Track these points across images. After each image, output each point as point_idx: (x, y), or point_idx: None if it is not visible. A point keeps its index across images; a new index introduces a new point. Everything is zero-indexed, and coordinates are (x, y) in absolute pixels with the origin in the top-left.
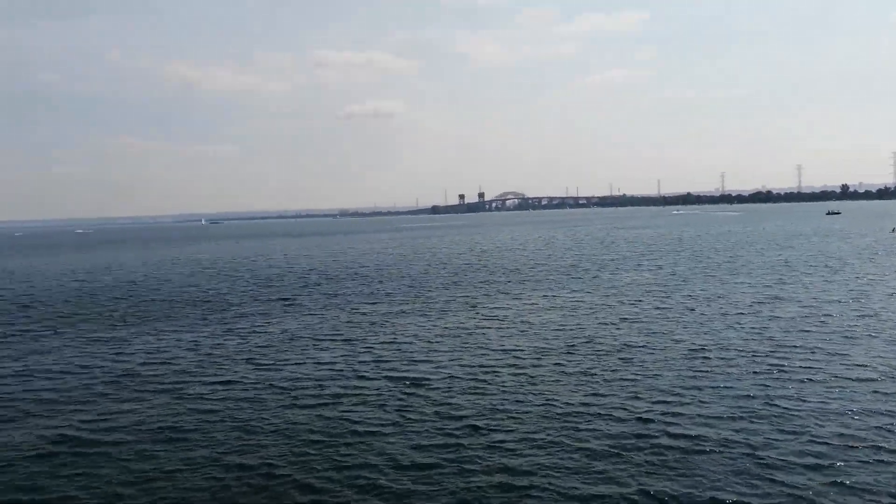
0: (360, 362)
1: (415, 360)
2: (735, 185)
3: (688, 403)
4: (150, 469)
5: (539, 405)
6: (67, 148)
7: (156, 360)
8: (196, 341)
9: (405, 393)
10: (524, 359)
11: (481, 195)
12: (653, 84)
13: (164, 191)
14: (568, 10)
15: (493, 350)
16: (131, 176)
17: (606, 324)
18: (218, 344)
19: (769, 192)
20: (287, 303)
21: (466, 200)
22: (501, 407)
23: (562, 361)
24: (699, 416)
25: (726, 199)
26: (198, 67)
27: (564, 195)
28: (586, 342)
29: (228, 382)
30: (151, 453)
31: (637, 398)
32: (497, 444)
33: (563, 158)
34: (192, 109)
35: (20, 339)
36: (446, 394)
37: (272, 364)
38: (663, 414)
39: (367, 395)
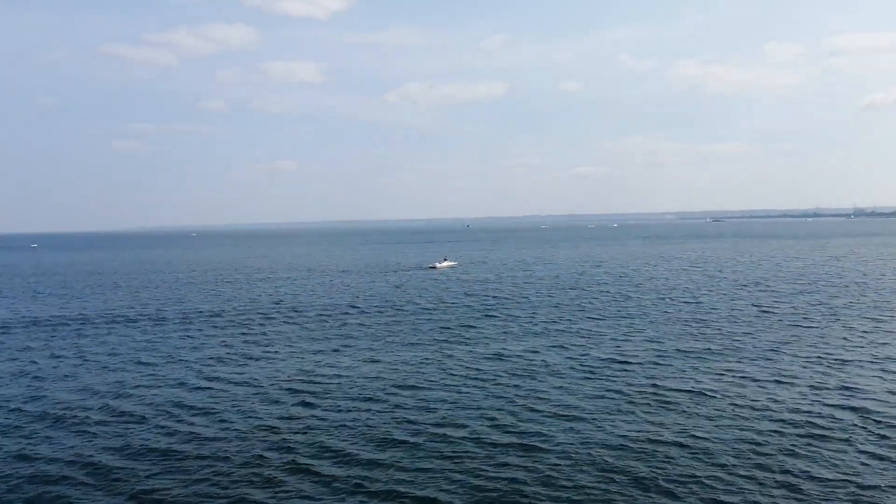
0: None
1: None
2: None
3: None
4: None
5: None
6: (586, 149)
7: (616, 358)
8: (655, 342)
9: None
10: None
11: None
12: None
13: (670, 189)
14: None
15: None
16: (640, 175)
17: None
18: (682, 349)
19: None
20: (764, 310)
21: None
22: None
23: None
24: None
25: None
26: (703, 66)
27: None
28: None
29: (692, 392)
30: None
31: None
32: None
33: None
34: (698, 108)
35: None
36: None
37: (748, 379)
38: None
39: (862, 440)
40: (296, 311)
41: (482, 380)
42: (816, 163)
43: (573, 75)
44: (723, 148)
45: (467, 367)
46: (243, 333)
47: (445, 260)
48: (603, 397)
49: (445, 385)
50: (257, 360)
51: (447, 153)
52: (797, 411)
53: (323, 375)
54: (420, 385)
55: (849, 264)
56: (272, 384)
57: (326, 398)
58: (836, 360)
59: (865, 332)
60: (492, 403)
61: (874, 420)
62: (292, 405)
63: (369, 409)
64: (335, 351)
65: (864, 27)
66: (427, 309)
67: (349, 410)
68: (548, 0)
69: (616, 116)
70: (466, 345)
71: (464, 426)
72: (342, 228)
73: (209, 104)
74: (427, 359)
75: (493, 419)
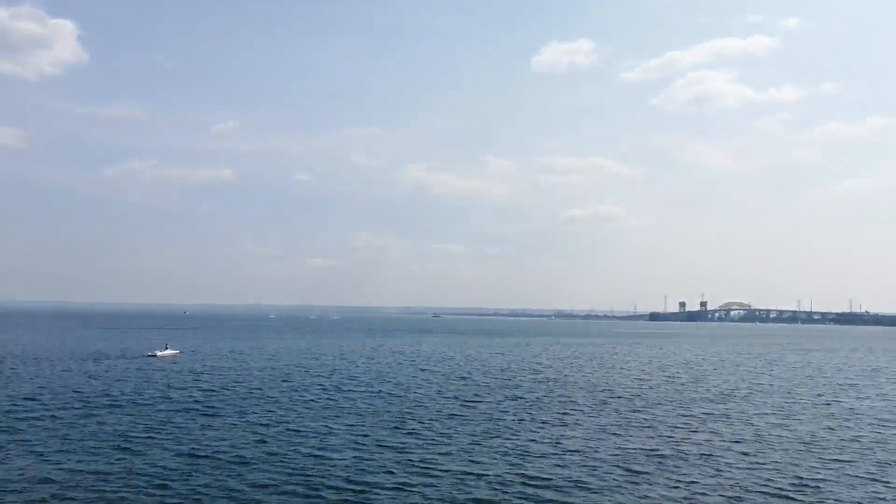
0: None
1: None
2: None
3: None
4: None
5: None
6: (316, 241)
7: (318, 454)
8: (360, 436)
9: None
10: None
11: (703, 304)
12: None
13: (395, 284)
14: (805, 118)
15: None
16: (368, 269)
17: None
18: (385, 443)
19: None
20: (466, 404)
21: (687, 308)
22: None
23: None
24: None
25: None
26: (430, 172)
27: (796, 309)
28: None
29: (390, 486)
30: None
31: None
32: None
33: (794, 269)
34: (424, 209)
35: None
36: None
37: (442, 472)
38: None
39: None
40: None
41: (171, 488)
42: (524, 267)
43: (306, 167)
44: (445, 248)
45: (155, 474)
46: None
47: (167, 348)
48: (298, 496)
49: (121, 499)
50: None
51: (171, 235)
52: None
53: None
54: (92, 500)
55: (545, 360)
56: None
57: None
58: (523, 452)
59: (552, 424)
60: None
61: None
62: None
63: None
64: None
65: (567, 152)
66: (123, 404)
67: None
68: (283, 93)
69: (347, 211)
70: (160, 447)
71: None
72: (51, 310)
73: None
74: (106, 470)
75: None
